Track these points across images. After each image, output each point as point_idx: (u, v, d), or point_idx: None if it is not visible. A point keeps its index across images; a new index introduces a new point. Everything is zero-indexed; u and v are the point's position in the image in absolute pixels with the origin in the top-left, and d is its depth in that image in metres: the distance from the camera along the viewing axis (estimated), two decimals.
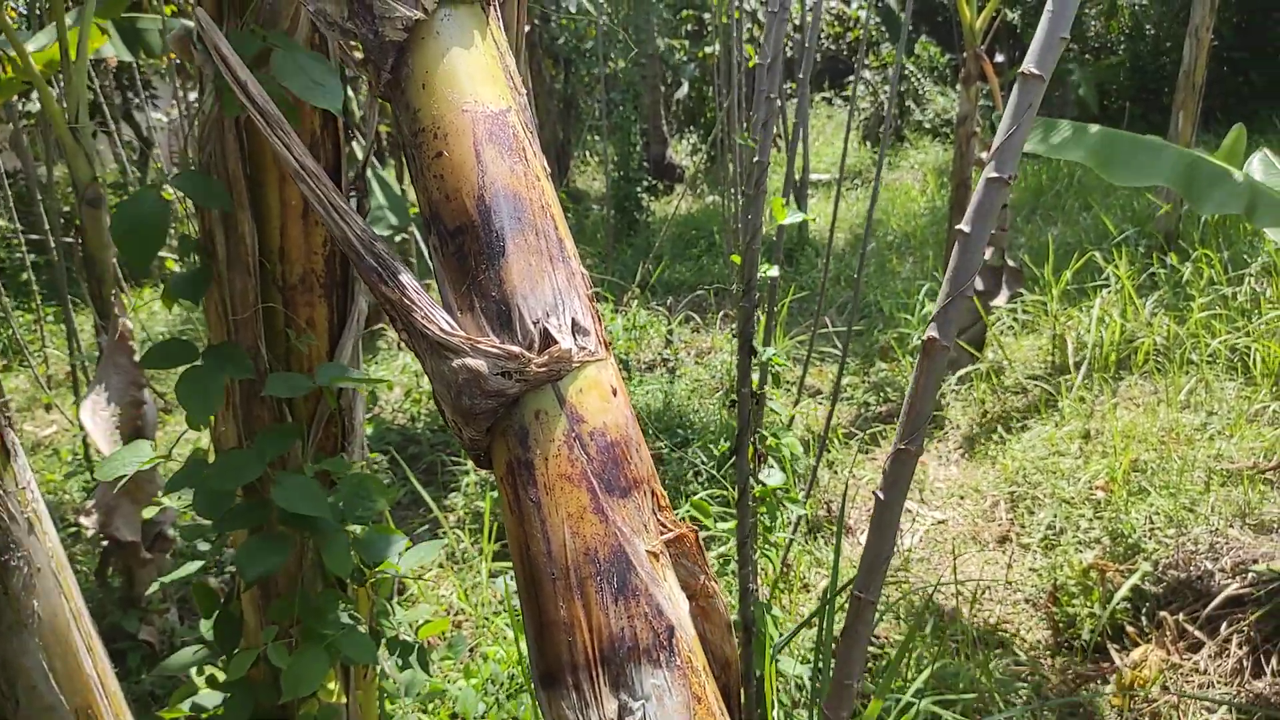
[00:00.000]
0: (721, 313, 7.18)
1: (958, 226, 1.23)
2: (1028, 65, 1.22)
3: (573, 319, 0.98)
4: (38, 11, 4.75)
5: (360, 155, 1.75)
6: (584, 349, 0.96)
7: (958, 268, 1.22)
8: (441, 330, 0.97)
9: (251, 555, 1.56)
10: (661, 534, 0.98)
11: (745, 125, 11.23)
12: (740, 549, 2.11)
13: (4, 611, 1.98)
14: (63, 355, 6.48)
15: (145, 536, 3.29)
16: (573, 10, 10.08)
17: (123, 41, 5.58)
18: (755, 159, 2.04)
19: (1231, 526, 3.66)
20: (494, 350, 0.94)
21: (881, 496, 1.28)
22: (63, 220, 7.81)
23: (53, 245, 5.55)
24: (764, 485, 2.33)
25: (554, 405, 0.95)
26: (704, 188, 11.77)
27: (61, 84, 3.43)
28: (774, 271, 2.43)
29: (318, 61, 1.40)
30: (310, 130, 1.55)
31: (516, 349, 0.94)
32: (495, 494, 4.17)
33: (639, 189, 10.19)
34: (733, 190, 7.22)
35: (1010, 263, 5.76)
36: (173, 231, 9.47)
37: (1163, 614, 3.37)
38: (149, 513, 1.88)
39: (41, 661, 2.05)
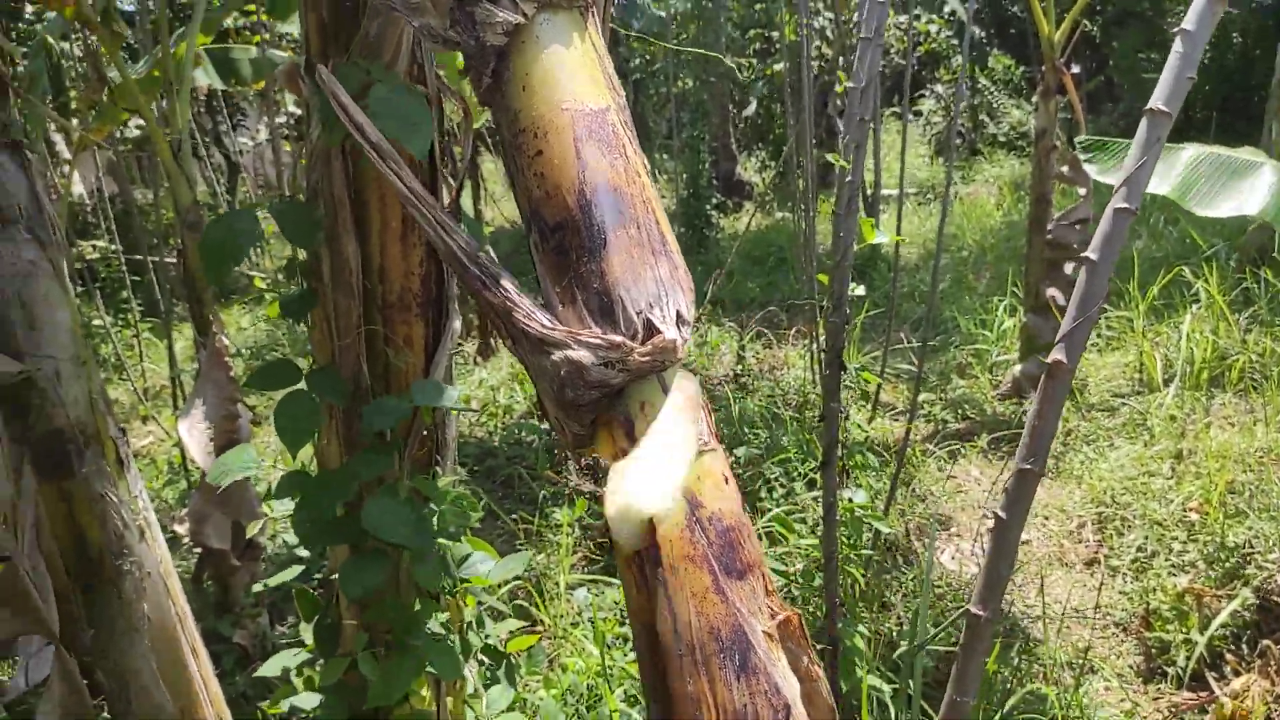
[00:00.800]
0: (794, 329, 7.14)
1: (1084, 254, 1.23)
2: (1156, 102, 1.24)
3: (677, 311, 0.98)
4: (134, 41, 5.01)
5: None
6: (688, 341, 0.97)
7: (1085, 294, 1.22)
8: (543, 327, 0.99)
9: (352, 574, 1.61)
10: (772, 616, 0.98)
11: (815, 142, 11.17)
12: (826, 564, 2.10)
13: (117, 616, 2.08)
14: (158, 369, 6.77)
15: (235, 545, 3.42)
16: (644, 33, 10.19)
17: (215, 70, 5.85)
18: (848, 179, 2.05)
19: None
20: (596, 341, 0.95)
21: (1003, 516, 1.27)
22: (155, 241, 8.19)
23: (151, 264, 5.82)
24: (850, 502, 2.31)
25: (658, 396, 0.96)
26: (773, 204, 11.74)
27: (163, 109, 3.61)
28: (860, 290, 2.41)
29: (414, 100, 1.45)
30: (408, 156, 1.61)
31: (619, 338, 0.95)
32: (570, 509, 4.22)
33: (708, 206, 10.22)
34: (802, 207, 7.19)
35: None
36: (275, 253, 9.83)
37: (1266, 642, 3.23)
38: (252, 529, 1.96)
39: (151, 663, 2.15)
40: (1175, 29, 1.36)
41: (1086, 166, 3.87)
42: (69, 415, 1.87)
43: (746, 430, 5.16)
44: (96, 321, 6.68)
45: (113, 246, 6.88)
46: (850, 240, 2.04)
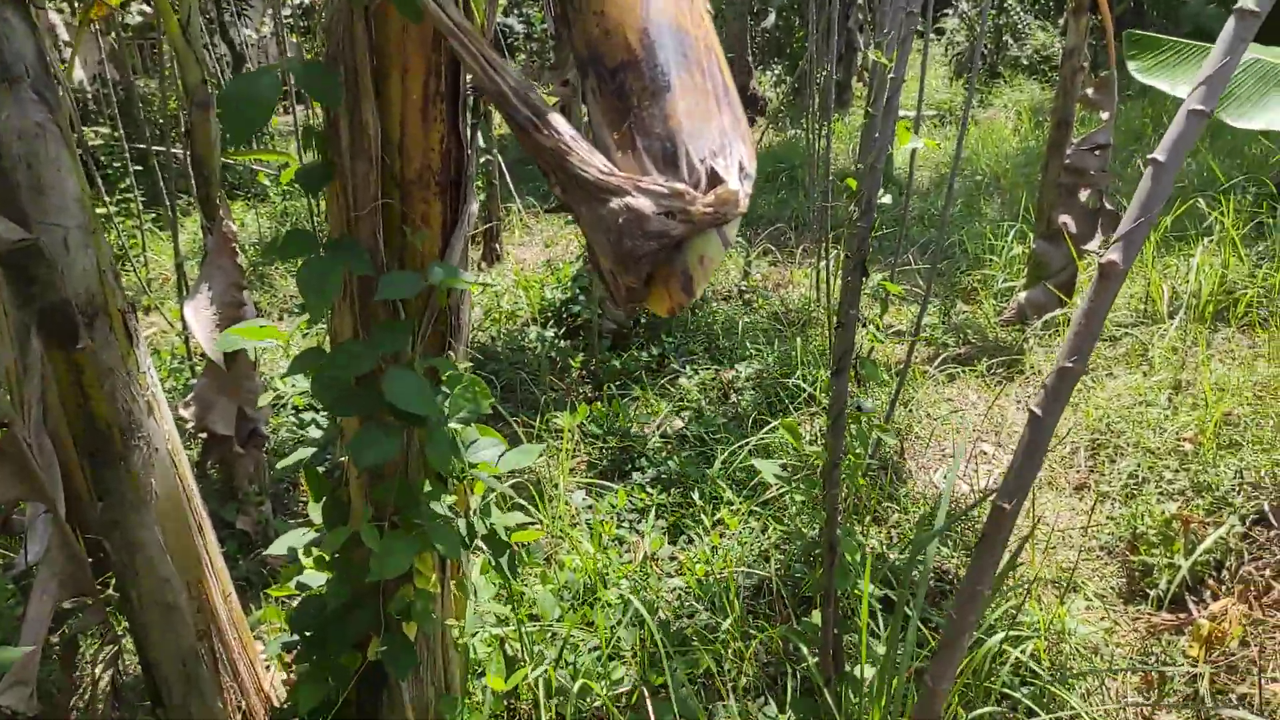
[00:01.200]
0: (801, 247, 7.09)
1: (1151, 155, 1.20)
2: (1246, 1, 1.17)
3: (739, 162, 0.93)
4: None
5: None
6: (749, 194, 0.92)
7: (1149, 194, 1.20)
8: (600, 172, 0.93)
9: (365, 442, 1.63)
10: None
11: (835, 58, 10.89)
12: (829, 471, 2.12)
13: (126, 489, 2.11)
14: (161, 260, 6.73)
15: (239, 433, 3.45)
16: None
17: None
18: (890, 75, 1.99)
19: None
20: (658, 188, 0.90)
21: (1038, 413, 1.27)
22: (159, 131, 8.03)
23: (155, 153, 5.72)
24: (861, 410, 2.32)
25: (719, 249, 0.93)
26: (786, 120, 11.51)
27: None
28: (886, 198, 2.37)
29: None
30: (432, 26, 1.56)
31: (682, 186, 0.90)
32: (572, 414, 4.25)
33: None
34: (817, 125, 7.05)
35: (1108, 205, 5.54)
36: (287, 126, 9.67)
37: (1247, 568, 3.30)
38: (265, 399, 1.97)
39: (158, 536, 2.18)
40: None
41: (1129, 64, 3.75)
42: (77, 286, 1.86)
43: (749, 345, 5.16)
44: (100, 210, 6.60)
45: (116, 133, 6.74)
46: (887, 142, 2.00)
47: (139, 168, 7.06)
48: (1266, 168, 6.80)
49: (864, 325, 2.43)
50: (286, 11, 10.60)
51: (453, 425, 1.75)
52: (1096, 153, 5.50)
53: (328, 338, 1.85)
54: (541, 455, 4.09)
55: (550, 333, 5.35)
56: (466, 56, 1.02)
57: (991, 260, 6.16)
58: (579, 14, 0.96)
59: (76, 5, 2.99)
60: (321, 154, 1.59)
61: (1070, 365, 1.24)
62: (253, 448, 3.51)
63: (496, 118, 9.13)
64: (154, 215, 7.63)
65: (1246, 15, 1.16)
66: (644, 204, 0.90)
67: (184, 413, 3.26)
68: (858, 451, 2.54)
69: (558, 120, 0.98)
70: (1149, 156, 1.24)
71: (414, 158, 1.59)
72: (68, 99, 1.90)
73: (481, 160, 7.33)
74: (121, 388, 2.04)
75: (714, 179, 0.91)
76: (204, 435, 3.40)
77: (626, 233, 0.91)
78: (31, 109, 1.79)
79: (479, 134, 1.67)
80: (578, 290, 5.43)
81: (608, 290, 1.00)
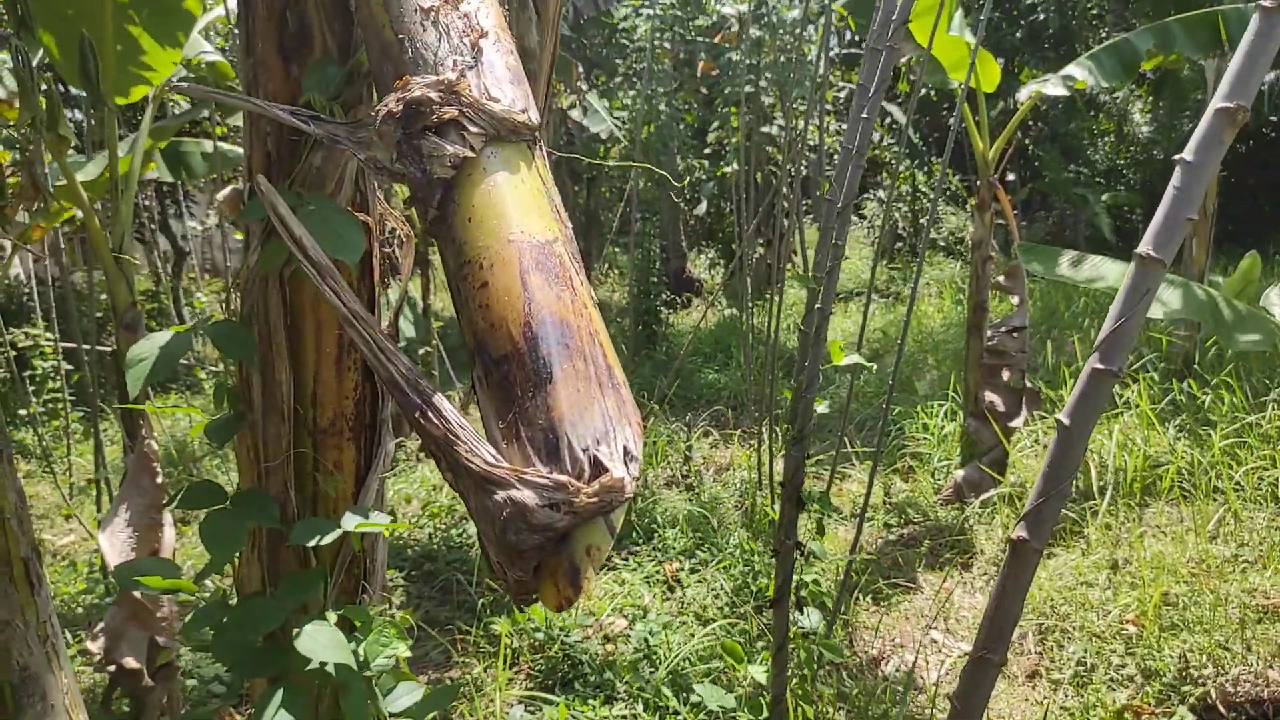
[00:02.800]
0: (740, 428, 7.18)
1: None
2: (1145, 248, 1.22)
3: (624, 446, 0.95)
4: (79, 144, 4.99)
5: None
6: (636, 478, 0.94)
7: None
8: (486, 463, 0.95)
9: (274, 704, 1.53)
10: None
11: (763, 241, 11.43)
12: (774, 706, 2.05)
13: None
14: (85, 462, 6.53)
15: (150, 663, 3.24)
16: (599, 134, 10.46)
17: (166, 164, 5.83)
18: (817, 306, 2.08)
19: (1271, 667, 3.53)
20: (541, 480, 0.91)
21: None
22: (96, 327, 8.00)
23: (83, 354, 5.66)
24: (801, 633, 2.28)
25: (605, 539, 0.93)
26: (722, 301, 11.94)
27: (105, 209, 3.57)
28: (822, 408, 2.43)
29: (344, 217, 1.47)
30: (347, 280, 1.61)
31: (564, 478, 0.91)
32: (510, 618, 4.10)
33: (658, 303, 10.35)
34: (748, 304, 7.34)
35: (1028, 385, 5.77)
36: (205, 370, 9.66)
37: None
38: (164, 657, 1.86)
39: None
40: (1176, 157, 1.24)
41: (1032, 268, 4.05)
42: None
43: (692, 534, 5.11)
44: (23, 411, 6.46)
45: (46, 334, 6.70)
46: (816, 370, 2.06)
47: (69, 366, 6.97)
48: (1167, 346, 7.20)
49: (801, 553, 2.42)
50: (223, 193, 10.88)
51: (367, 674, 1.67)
52: (1014, 335, 5.78)
53: (233, 583, 1.78)
54: (478, 665, 3.90)
55: None
56: (359, 342, 1.05)
57: (925, 439, 6.29)
58: (465, 306, 1.01)
59: (7, 228, 3.03)
60: (232, 406, 1.59)
61: (989, 657, 1.23)
62: (164, 679, 3.28)
63: (436, 303, 9.21)
64: (83, 413, 7.47)
65: (1149, 262, 1.22)
66: (528, 496, 0.91)
67: (91, 646, 3.06)
68: (805, 675, 2.48)
69: (445, 406, 1.00)
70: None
71: (327, 407, 1.60)
72: None
73: (420, 351, 7.42)
74: (18, 640, 1.92)
75: (598, 467, 0.92)
76: (111, 668, 3.18)
77: (510, 526, 0.91)
78: None
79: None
80: None
81: (499, 580, 0.99)
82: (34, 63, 2.41)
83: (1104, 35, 12.10)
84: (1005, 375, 5.77)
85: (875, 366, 6.25)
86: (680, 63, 10.60)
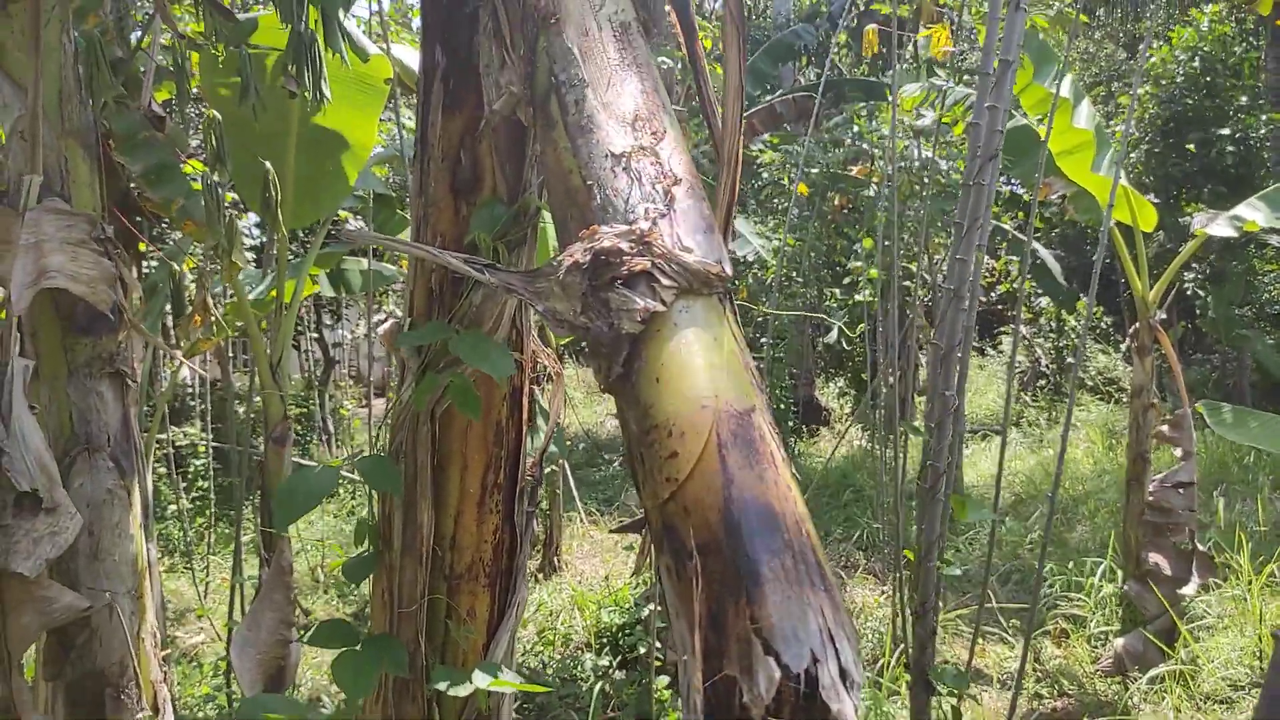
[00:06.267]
0: (871, 572, 6.80)
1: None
2: None
3: (841, 667, 0.80)
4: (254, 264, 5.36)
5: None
6: (858, 707, 0.79)
7: None
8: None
9: None
10: None
11: (897, 375, 11.09)
12: None
13: None
14: (224, 562, 6.75)
15: None
16: (746, 257, 10.56)
17: (329, 281, 6.18)
18: (929, 463, 1.93)
19: None
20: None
21: None
22: (249, 431, 8.43)
23: (235, 456, 5.93)
24: None
25: None
26: (853, 433, 11.59)
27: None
28: (956, 570, 2.23)
29: (498, 348, 1.44)
30: (496, 420, 1.57)
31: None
32: None
33: (787, 433, 10.15)
34: (881, 434, 7.06)
35: (1200, 547, 5.23)
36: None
37: None
38: None
39: None
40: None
41: (1209, 422, 3.71)
42: (112, 656, 1.78)
43: None
44: (173, 507, 6.78)
45: (203, 435, 7.08)
46: (935, 534, 1.88)
47: (219, 467, 7.32)
48: None
49: None
50: (380, 316, 11.49)
51: None
52: (1180, 491, 5.30)
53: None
54: None
55: (605, 661, 5.05)
56: None
57: (1080, 599, 5.76)
58: (650, 478, 0.90)
59: (181, 342, 3.22)
60: (372, 543, 1.55)
61: None
62: None
63: (567, 418, 9.32)
64: (230, 511, 7.79)
65: None
66: None
67: None
68: None
69: None
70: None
71: (466, 551, 1.54)
72: (141, 459, 1.94)
73: (546, 469, 7.45)
74: None
75: (812, 694, 0.77)
76: None
77: None
78: (105, 476, 1.83)
79: (533, 522, 1.63)
80: (635, 617, 5.19)
81: None
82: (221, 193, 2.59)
83: (1278, 172, 11.50)
84: (1171, 535, 5.27)
85: (1008, 520, 5.82)
86: (814, 194, 10.68)
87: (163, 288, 3.30)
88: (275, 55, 2.76)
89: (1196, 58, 11.68)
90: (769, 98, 11.79)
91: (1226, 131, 11.53)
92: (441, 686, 1.44)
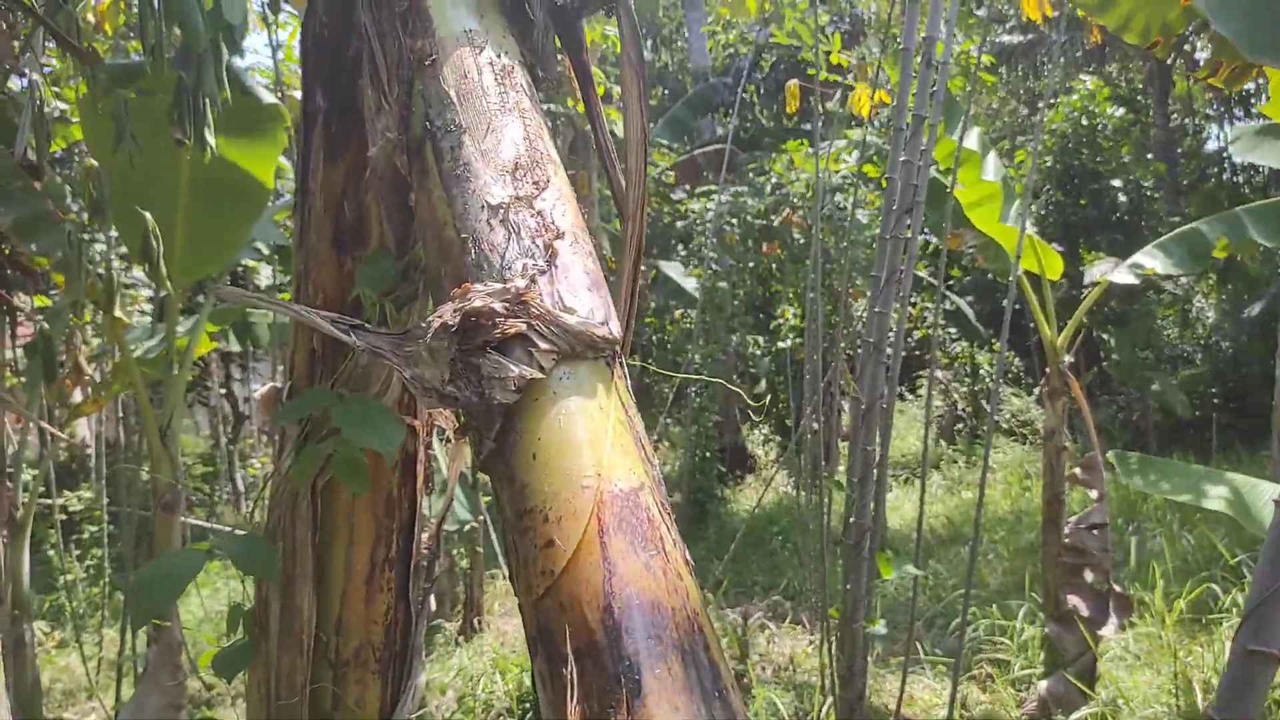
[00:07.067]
0: (800, 621, 6.74)
1: (1208, 712, 0.99)
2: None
3: None
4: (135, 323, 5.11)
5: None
6: None
7: None
8: None
9: None
10: None
11: (820, 419, 11.20)
12: None
13: None
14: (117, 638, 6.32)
15: None
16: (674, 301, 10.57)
17: (235, 334, 5.93)
18: (853, 520, 1.87)
19: None
20: None
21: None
22: (146, 496, 7.99)
23: (127, 521, 5.58)
24: None
25: None
26: (779, 480, 11.61)
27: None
28: (880, 629, 2.17)
29: (386, 414, 1.33)
30: (386, 490, 1.46)
31: None
32: None
33: (713, 480, 10.11)
34: (805, 479, 7.06)
35: (1116, 587, 5.32)
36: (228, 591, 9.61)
37: None
38: None
39: None
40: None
41: (1132, 481, 3.88)
42: None
43: None
44: (65, 578, 6.35)
45: (97, 500, 6.67)
46: (862, 592, 1.82)
47: (116, 531, 6.89)
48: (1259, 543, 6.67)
49: None
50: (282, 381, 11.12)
51: None
52: (1094, 532, 5.39)
53: None
54: None
55: None
56: None
57: (1003, 642, 5.79)
58: (524, 569, 0.81)
59: (60, 405, 3.01)
60: (247, 632, 1.41)
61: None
62: None
63: (483, 478, 9.16)
64: (124, 577, 7.32)
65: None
66: None
67: None
68: None
69: None
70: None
71: (353, 635, 1.41)
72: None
73: (465, 526, 7.20)
74: None
75: None
76: None
77: None
78: None
79: (430, 600, 1.50)
80: None
81: None
82: (99, 243, 2.42)
83: (1169, 220, 12.13)
84: (1088, 576, 5.35)
85: (940, 570, 5.85)
86: (740, 241, 10.81)
87: (36, 355, 3.08)
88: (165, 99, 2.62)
89: (1084, 118, 12.35)
90: (691, 149, 11.95)
91: (1118, 183, 12.16)
92: None
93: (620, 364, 0.95)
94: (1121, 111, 12.98)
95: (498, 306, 0.87)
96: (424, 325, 0.90)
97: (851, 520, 1.93)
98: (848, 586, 1.92)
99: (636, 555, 0.77)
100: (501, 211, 0.92)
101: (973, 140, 5.17)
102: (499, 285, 0.88)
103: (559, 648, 0.74)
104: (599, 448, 0.84)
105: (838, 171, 9.50)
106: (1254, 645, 1.00)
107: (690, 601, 0.78)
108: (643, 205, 1.25)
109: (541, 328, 0.87)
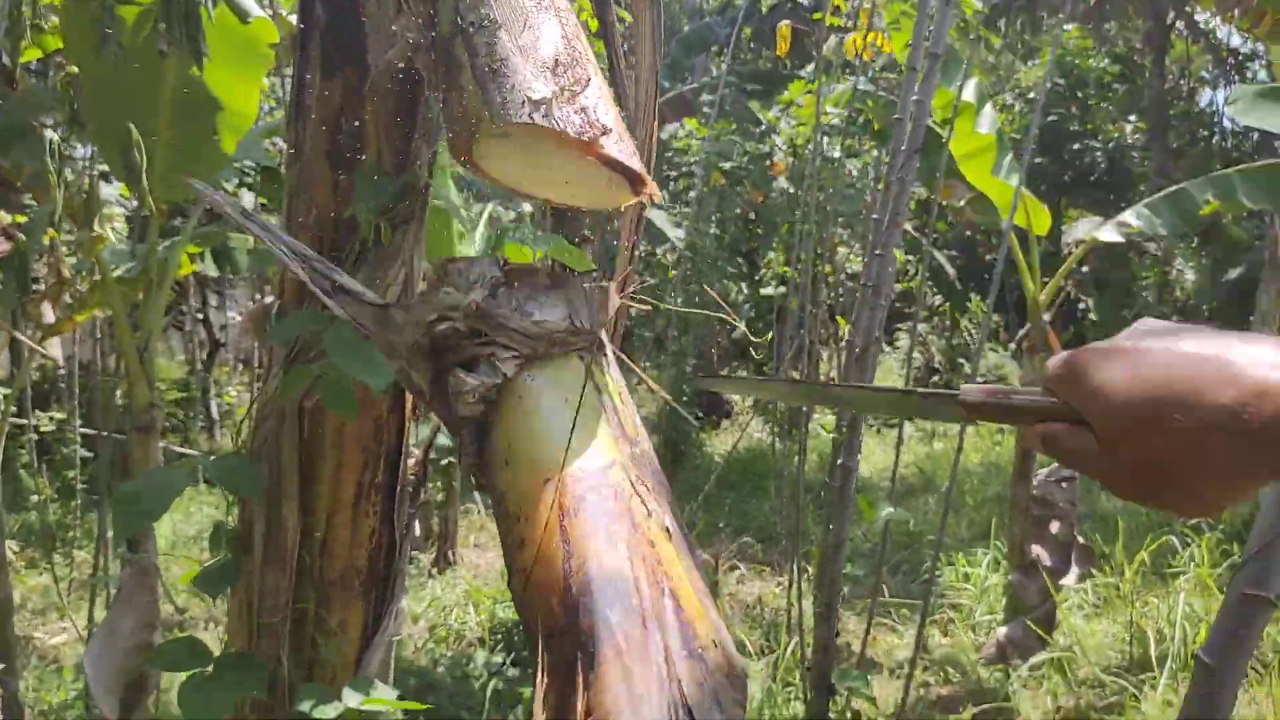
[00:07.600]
0: (769, 562, 6.86)
1: (1197, 653, 1.03)
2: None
3: None
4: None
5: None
6: None
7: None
8: None
9: None
10: None
11: (799, 368, 11.28)
12: None
13: None
14: (89, 557, 6.32)
15: None
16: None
17: (213, 259, 5.82)
18: (840, 461, 1.89)
19: None
20: None
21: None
22: (121, 415, 7.91)
23: (100, 442, 5.54)
24: None
25: None
26: (755, 426, 11.71)
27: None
28: (858, 571, 2.20)
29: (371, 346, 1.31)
30: (376, 415, 1.44)
31: None
32: None
33: (690, 423, 10.18)
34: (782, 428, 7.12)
35: (1079, 539, 5.45)
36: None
37: None
38: None
39: None
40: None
41: None
42: None
43: None
44: (36, 497, 6.32)
45: (70, 420, 6.61)
46: (843, 535, 1.85)
47: (89, 454, 6.85)
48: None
49: None
50: (271, 297, 10.98)
51: None
52: (1063, 485, 5.50)
53: None
54: None
55: (499, 658, 4.92)
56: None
57: (966, 589, 5.94)
58: (511, 575, 0.82)
59: (34, 325, 2.95)
60: (231, 552, 1.40)
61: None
62: None
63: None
64: (98, 498, 7.30)
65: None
66: None
67: None
68: None
69: None
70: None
71: (338, 557, 1.41)
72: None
73: (442, 460, 7.22)
74: None
75: None
76: None
77: None
78: None
79: (415, 524, 1.50)
80: None
81: None
82: (79, 156, 2.35)
83: (1156, 182, 12.18)
84: (1054, 527, 5.47)
85: (912, 519, 5.96)
86: (727, 186, 10.70)
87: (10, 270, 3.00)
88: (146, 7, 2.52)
89: (1064, 74, 12.29)
90: (683, 87, 11.74)
91: (1098, 143, 12.15)
92: (305, 707, 1.31)
93: (603, 347, 0.93)
94: (1106, 63, 12.89)
95: (461, 328, 0.87)
96: (406, 304, 0.90)
97: (839, 463, 1.95)
98: (830, 527, 1.94)
99: (599, 533, 0.78)
100: (544, 107, 0.89)
101: (970, 92, 5.11)
102: (458, 295, 0.87)
103: (533, 633, 0.76)
104: (561, 439, 0.84)
105: (828, 123, 9.40)
106: (1252, 590, 1.02)
107: (661, 565, 0.78)
108: (652, 138, 1.22)
109: (504, 339, 0.87)
